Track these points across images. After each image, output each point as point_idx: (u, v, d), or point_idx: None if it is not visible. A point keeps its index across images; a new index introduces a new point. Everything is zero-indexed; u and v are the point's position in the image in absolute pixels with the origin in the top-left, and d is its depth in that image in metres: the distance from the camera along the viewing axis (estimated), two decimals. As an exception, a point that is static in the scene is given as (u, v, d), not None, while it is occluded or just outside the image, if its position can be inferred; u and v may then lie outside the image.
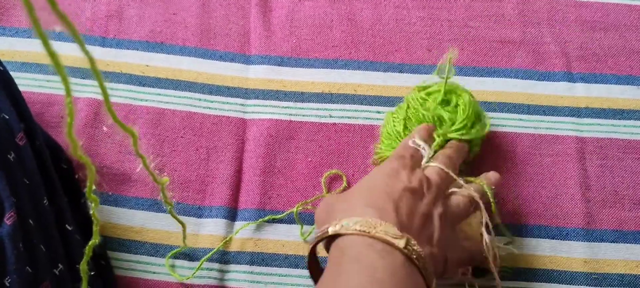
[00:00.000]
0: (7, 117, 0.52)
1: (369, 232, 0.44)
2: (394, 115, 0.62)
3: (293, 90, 0.68)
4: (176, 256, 0.60)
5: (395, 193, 0.48)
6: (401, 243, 0.43)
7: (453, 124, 0.58)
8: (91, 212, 0.40)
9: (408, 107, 0.61)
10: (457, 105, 0.59)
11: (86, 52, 0.19)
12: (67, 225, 0.54)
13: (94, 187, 0.38)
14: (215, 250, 0.60)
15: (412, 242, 0.44)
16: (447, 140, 0.58)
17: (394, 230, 0.44)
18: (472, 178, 0.56)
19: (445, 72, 0.59)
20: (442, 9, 0.74)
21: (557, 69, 0.71)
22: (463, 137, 0.58)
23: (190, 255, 0.60)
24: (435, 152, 0.57)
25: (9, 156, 0.50)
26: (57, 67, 0.18)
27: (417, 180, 0.50)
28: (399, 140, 0.60)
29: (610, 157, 0.65)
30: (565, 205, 0.63)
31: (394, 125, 0.61)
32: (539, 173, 0.65)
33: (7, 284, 0.46)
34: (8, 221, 0.47)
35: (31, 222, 0.50)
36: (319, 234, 0.48)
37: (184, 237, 0.58)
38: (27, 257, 0.48)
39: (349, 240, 0.45)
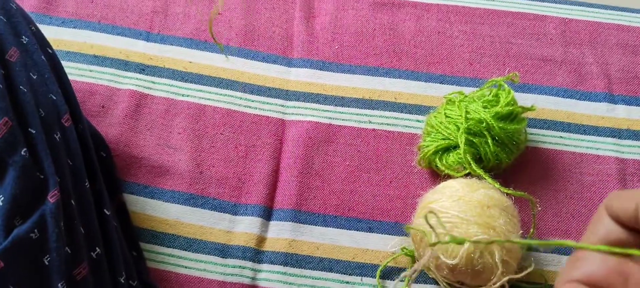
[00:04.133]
0: (55, 98, 0.53)
1: None
2: (434, 114, 0.63)
3: (333, 94, 0.68)
4: (209, 252, 0.59)
5: None
6: None
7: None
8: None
9: (447, 102, 0.63)
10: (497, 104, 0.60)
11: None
12: (105, 210, 0.54)
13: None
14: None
15: None
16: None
17: None
18: (513, 191, 0.56)
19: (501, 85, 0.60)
20: (485, 24, 0.74)
21: (598, 89, 0.70)
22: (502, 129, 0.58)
23: (223, 251, 0.59)
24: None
25: (55, 135, 0.50)
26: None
27: None
28: (440, 132, 0.60)
29: (653, 180, 0.64)
30: (607, 225, 0.61)
31: (435, 117, 0.61)
32: (579, 192, 0.64)
33: (46, 262, 0.46)
34: (51, 199, 0.47)
35: (73, 202, 0.49)
36: None
37: None
38: (67, 237, 0.48)
39: None
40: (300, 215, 0.61)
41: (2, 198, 0.44)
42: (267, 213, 0.62)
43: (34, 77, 0.51)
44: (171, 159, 0.63)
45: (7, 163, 0.45)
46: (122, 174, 0.62)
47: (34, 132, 0.48)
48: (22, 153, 0.46)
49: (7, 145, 0.45)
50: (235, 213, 0.62)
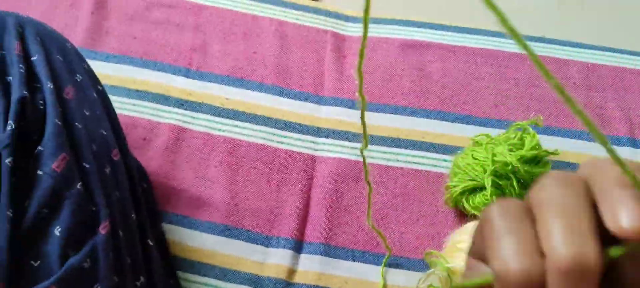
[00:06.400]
0: (105, 133, 0.56)
1: None
2: (461, 155, 0.65)
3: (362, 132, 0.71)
4: (242, 282, 0.62)
5: None
6: None
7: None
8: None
9: (474, 143, 0.65)
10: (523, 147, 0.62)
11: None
12: (148, 240, 0.57)
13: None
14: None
15: None
16: None
17: None
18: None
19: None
20: (509, 66, 0.76)
21: (620, 133, 0.72)
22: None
23: (255, 282, 0.62)
24: None
25: (105, 169, 0.54)
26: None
27: None
28: (467, 174, 0.62)
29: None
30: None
31: (462, 159, 0.64)
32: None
33: (96, 291, 0.48)
34: (102, 230, 0.50)
35: (120, 233, 0.52)
36: None
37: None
38: (115, 266, 0.51)
39: None
40: (330, 249, 0.64)
41: (59, 229, 0.48)
42: (298, 246, 0.64)
43: (87, 114, 0.55)
44: (208, 191, 0.66)
45: (64, 196, 0.48)
46: (162, 205, 0.65)
47: (87, 166, 0.51)
48: (78, 187, 0.49)
49: (64, 179, 0.48)
50: (267, 246, 0.64)
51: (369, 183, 0.42)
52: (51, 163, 0.48)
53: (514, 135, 0.65)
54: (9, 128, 0.47)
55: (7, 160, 0.47)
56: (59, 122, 0.50)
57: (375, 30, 0.79)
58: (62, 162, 0.49)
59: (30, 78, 0.52)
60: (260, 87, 0.73)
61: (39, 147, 0.49)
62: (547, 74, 0.21)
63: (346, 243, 0.64)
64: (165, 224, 0.64)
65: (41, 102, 0.51)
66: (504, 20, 0.21)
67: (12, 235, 0.46)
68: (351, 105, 0.73)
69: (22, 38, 0.53)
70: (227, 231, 0.64)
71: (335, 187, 0.67)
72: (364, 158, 0.40)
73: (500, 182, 0.61)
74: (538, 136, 0.64)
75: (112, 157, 0.55)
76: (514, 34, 0.20)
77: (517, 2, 0.89)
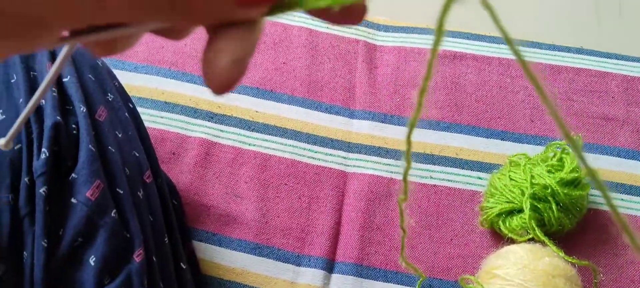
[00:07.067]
0: (137, 155, 0.55)
1: None
2: (498, 175, 0.63)
3: (395, 148, 0.69)
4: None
5: None
6: None
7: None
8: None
9: (511, 164, 0.63)
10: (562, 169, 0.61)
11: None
12: (181, 263, 0.56)
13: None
14: None
15: None
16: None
17: None
18: (577, 260, 0.56)
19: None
20: (546, 79, 0.74)
21: (661, 151, 0.70)
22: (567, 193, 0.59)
23: (287, 302, 0.61)
24: None
25: (138, 193, 0.53)
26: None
27: None
28: (504, 196, 0.61)
29: None
30: (670, 294, 0.61)
31: (499, 179, 0.62)
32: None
33: (130, 318, 0.48)
34: (137, 258, 0.49)
35: (154, 258, 0.52)
36: None
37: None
38: (149, 292, 0.50)
39: None
40: (362, 270, 0.63)
41: (94, 258, 0.47)
42: (330, 266, 0.63)
43: (120, 136, 0.54)
44: (238, 208, 0.65)
45: (98, 225, 0.48)
46: (192, 221, 0.64)
47: (121, 192, 0.50)
48: (112, 215, 0.48)
49: (99, 208, 0.48)
50: (298, 265, 0.63)
51: (403, 230, 0.41)
52: (85, 191, 0.47)
53: (552, 154, 0.63)
54: (43, 156, 0.46)
55: (42, 190, 0.46)
56: (92, 148, 0.49)
57: (408, 40, 0.77)
58: (96, 189, 0.48)
59: (63, 100, 0.51)
60: (291, 100, 0.72)
61: (73, 174, 0.48)
62: (526, 67, 0.19)
63: (379, 264, 0.63)
64: (195, 241, 0.63)
65: (74, 125, 0.50)
66: (496, 20, 0.19)
67: (47, 265, 0.46)
68: (383, 118, 0.71)
69: (53, 57, 0.52)
70: (258, 249, 0.63)
71: (366, 205, 0.66)
72: (405, 183, 0.37)
73: (539, 205, 0.59)
74: (577, 156, 0.62)
75: (145, 180, 0.55)
76: (503, 33, 0.19)
77: (552, 11, 0.87)
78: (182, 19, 0.18)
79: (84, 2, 0.17)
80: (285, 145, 0.69)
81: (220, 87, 0.20)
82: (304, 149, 0.69)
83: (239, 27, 0.19)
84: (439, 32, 0.22)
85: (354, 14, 0.21)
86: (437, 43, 0.23)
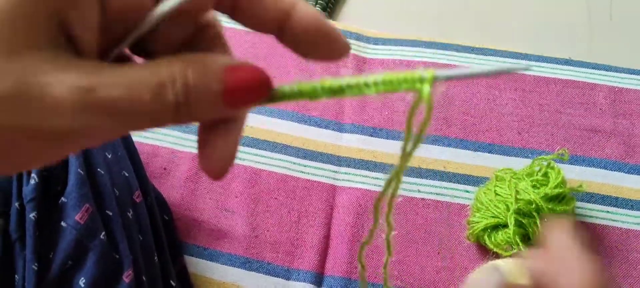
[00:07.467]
0: (127, 175, 0.56)
1: None
2: (484, 190, 0.64)
3: (383, 162, 0.70)
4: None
5: None
6: None
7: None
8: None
9: (497, 178, 0.64)
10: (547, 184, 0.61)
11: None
12: (171, 281, 0.57)
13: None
14: None
15: None
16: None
17: None
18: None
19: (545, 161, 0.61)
20: (534, 92, 0.75)
21: (648, 162, 0.70)
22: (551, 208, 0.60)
23: (276, 315, 0.62)
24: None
25: (128, 214, 0.54)
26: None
27: None
28: (490, 211, 0.62)
29: (701, 261, 0.65)
30: (653, 306, 0.62)
31: (485, 194, 0.63)
32: (625, 270, 0.65)
33: (120, 337, 0.49)
34: (126, 279, 0.50)
35: (144, 278, 0.53)
36: None
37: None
38: (139, 312, 0.51)
39: None
40: (350, 283, 0.64)
41: (84, 280, 0.48)
42: (319, 280, 0.64)
43: (109, 157, 0.55)
44: (228, 222, 0.66)
45: (88, 248, 0.49)
46: (183, 236, 0.65)
47: (110, 213, 0.51)
48: (101, 237, 0.49)
49: (88, 231, 0.49)
50: (288, 278, 0.64)
51: (388, 250, 0.41)
52: (74, 215, 0.48)
53: (538, 168, 0.64)
54: (32, 182, 0.48)
55: (32, 215, 0.47)
56: (81, 172, 0.50)
57: (397, 52, 0.78)
58: (85, 213, 0.49)
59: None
60: (281, 113, 0.73)
61: (63, 198, 0.49)
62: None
63: (368, 277, 0.64)
64: (187, 256, 0.64)
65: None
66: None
67: (38, 288, 0.47)
68: (371, 132, 0.72)
69: None
70: (248, 263, 0.64)
71: (355, 219, 0.67)
72: (390, 204, 0.36)
73: (523, 221, 0.60)
74: (563, 171, 0.63)
75: (134, 200, 0.56)
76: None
77: (545, 19, 0.87)
78: (184, 121, 0.21)
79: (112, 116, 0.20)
80: (275, 159, 0.70)
81: (220, 174, 0.23)
82: (294, 163, 0.70)
83: (228, 122, 0.23)
84: (407, 135, 0.23)
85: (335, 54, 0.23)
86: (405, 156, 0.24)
